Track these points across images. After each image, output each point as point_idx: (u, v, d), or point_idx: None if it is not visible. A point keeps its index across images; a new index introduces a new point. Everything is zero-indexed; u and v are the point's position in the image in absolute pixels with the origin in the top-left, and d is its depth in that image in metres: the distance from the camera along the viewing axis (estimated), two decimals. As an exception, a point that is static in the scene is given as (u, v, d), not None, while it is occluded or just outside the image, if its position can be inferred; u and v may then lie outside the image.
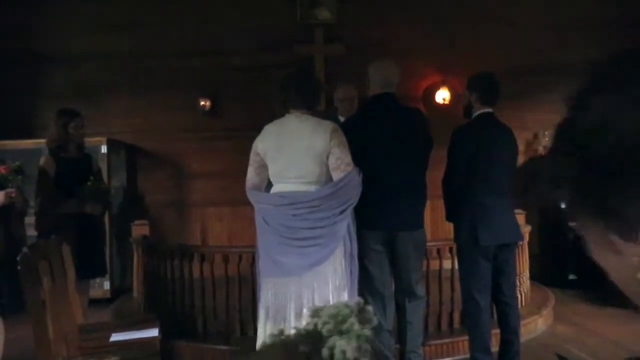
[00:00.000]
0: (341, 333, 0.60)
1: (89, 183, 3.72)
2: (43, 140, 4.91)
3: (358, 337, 0.60)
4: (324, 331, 0.61)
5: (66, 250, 3.02)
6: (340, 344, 0.59)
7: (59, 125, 3.78)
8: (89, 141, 4.14)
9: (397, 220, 3.09)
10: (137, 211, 6.13)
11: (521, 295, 4.45)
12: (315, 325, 0.63)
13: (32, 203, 3.70)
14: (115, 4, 6.38)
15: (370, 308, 0.65)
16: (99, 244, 4.03)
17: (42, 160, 3.79)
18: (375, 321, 0.64)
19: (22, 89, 6.31)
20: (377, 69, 3.25)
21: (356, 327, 0.61)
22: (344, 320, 0.61)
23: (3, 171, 3.21)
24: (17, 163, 3.33)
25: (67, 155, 3.80)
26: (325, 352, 0.59)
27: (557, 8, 6.44)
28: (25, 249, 2.39)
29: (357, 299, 0.67)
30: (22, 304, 3.15)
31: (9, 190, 3.18)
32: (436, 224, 5.53)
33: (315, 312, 0.64)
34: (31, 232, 3.61)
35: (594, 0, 6.47)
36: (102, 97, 6.28)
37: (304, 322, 2.29)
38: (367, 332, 0.62)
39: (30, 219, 3.78)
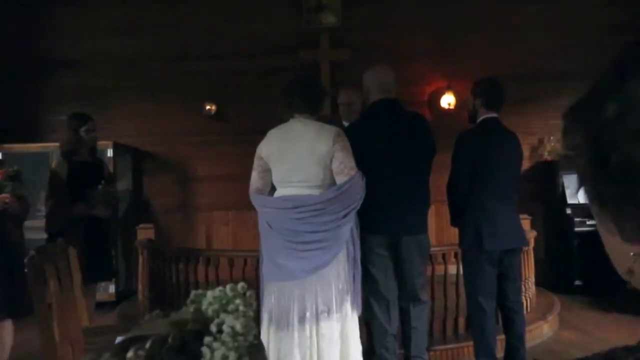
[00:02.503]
0: (228, 313, 0.63)
1: (99, 187, 3.75)
2: (50, 144, 4.94)
3: (244, 316, 0.63)
4: (210, 312, 0.63)
5: (73, 253, 3.03)
6: (229, 319, 0.62)
7: (71, 129, 3.81)
8: (95, 145, 4.16)
9: (400, 225, 3.09)
10: (142, 215, 6.16)
11: (526, 300, 4.44)
12: (199, 308, 0.65)
13: (40, 206, 3.73)
14: (122, 8, 6.43)
15: (251, 292, 0.69)
16: (107, 247, 4.05)
17: (54, 163, 3.83)
18: (255, 305, 0.67)
19: (29, 93, 6.36)
20: (371, 76, 3.26)
21: (242, 307, 0.64)
22: (229, 302, 0.65)
23: None
24: (15, 168, 3.34)
25: (79, 158, 3.83)
26: (213, 327, 0.61)
27: (563, 13, 6.44)
28: (32, 252, 2.40)
29: (240, 283, 0.71)
30: (20, 309, 3.16)
31: (3, 195, 3.19)
32: (441, 229, 5.53)
33: (196, 297, 0.67)
34: (29, 237, 3.62)
35: (599, 5, 6.46)
36: (108, 101, 6.32)
37: (307, 326, 2.25)
38: (250, 312, 0.65)
39: (32, 223, 3.80)
